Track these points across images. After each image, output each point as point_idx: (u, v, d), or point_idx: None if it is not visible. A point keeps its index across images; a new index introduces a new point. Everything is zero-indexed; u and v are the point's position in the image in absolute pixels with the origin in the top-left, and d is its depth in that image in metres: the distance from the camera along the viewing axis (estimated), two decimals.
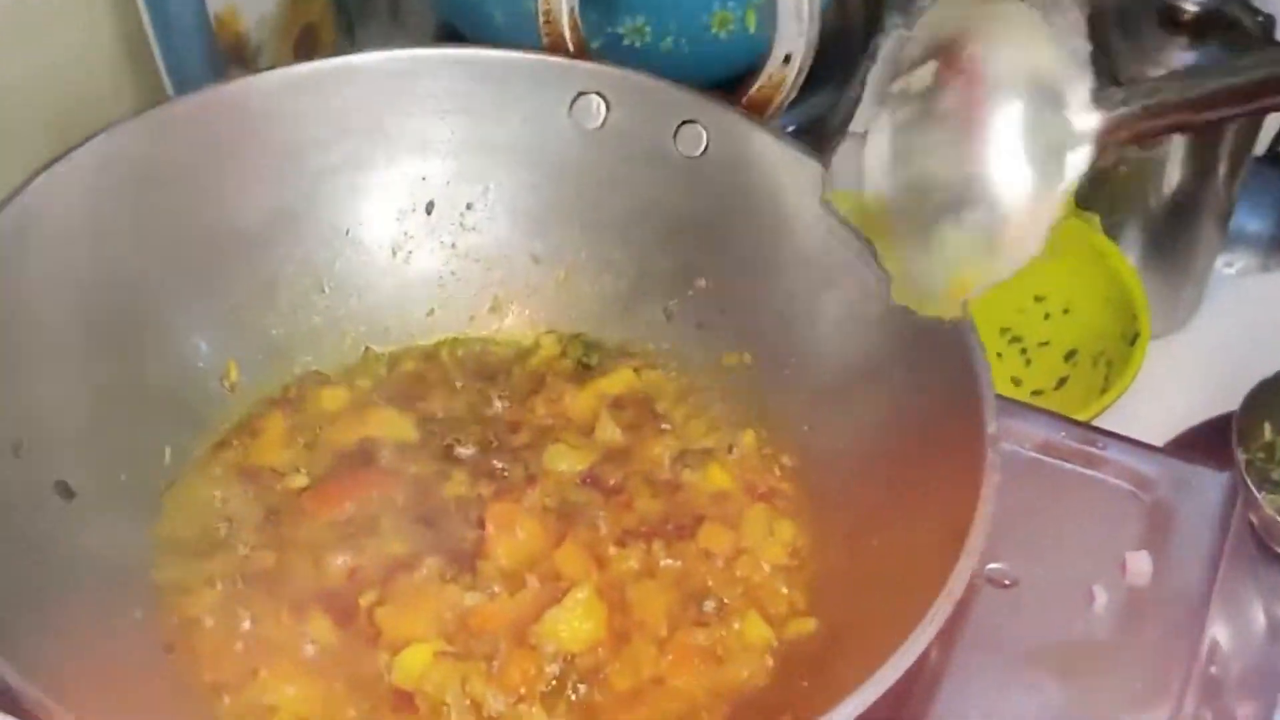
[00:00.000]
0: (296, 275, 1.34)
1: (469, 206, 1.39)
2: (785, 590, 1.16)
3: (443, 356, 1.37)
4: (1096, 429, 1.41)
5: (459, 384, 1.34)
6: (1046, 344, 1.65)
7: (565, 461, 1.26)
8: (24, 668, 0.89)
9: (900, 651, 0.93)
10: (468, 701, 1.07)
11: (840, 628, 1.11)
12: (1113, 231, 1.60)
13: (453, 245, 1.40)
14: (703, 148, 1.31)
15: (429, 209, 1.39)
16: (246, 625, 1.12)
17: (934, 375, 1.14)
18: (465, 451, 1.26)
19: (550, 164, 1.36)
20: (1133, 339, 1.54)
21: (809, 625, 1.13)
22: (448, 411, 1.31)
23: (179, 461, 1.24)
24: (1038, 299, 1.66)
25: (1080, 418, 1.42)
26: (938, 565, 1.00)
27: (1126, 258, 1.60)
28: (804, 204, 1.26)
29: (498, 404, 1.32)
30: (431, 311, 1.40)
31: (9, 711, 0.88)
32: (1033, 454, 1.29)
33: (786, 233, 1.28)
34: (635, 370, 1.34)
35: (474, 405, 1.32)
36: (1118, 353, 1.57)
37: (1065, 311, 1.68)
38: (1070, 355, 1.64)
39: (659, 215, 1.36)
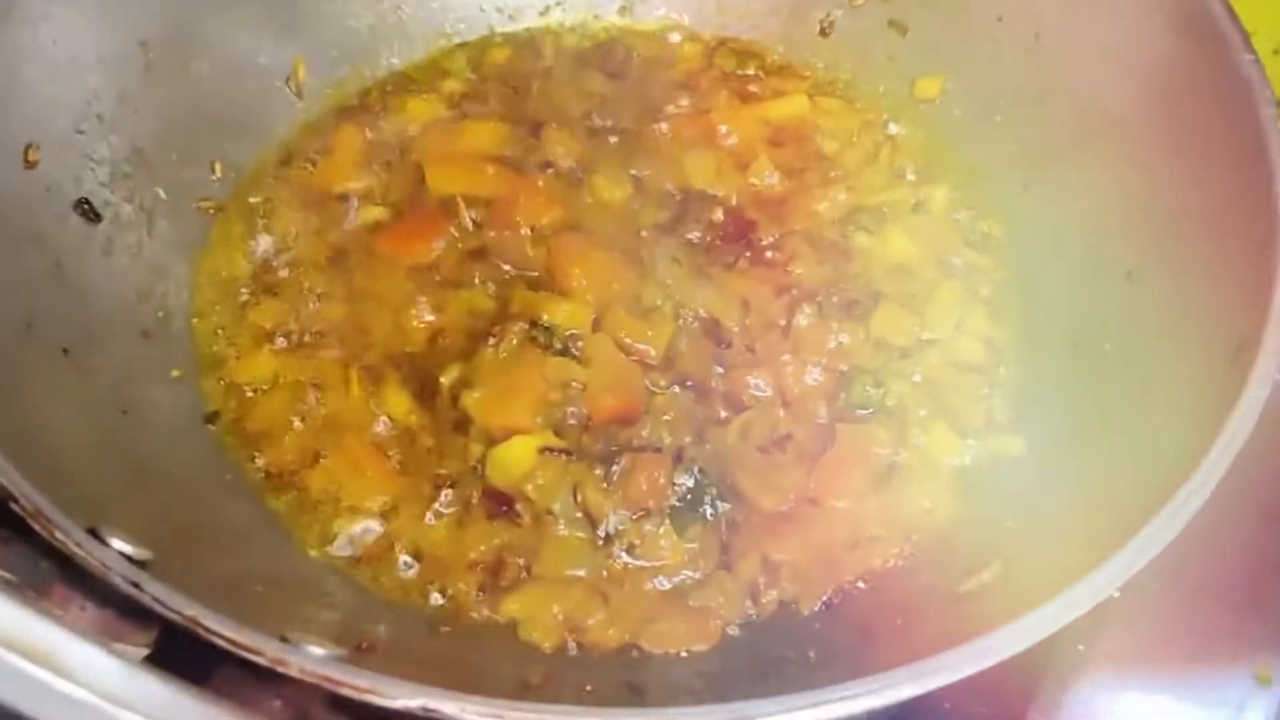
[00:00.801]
0: None
1: None
2: (983, 399, 0.92)
3: (547, 50, 1.10)
4: None
5: (571, 85, 1.07)
6: None
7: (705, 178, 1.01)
8: (23, 452, 0.68)
9: (1185, 490, 0.69)
10: (580, 514, 0.85)
11: (1054, 455, 0.86)
12: None
13: None
14: None
15: None
16: (309, 395, 0.91)
17: (1205, 138, 0.86)
18: (567, 164, 1.02)
19: None
20: None
21: (1014, 446, 0.89)
22: (560, 124, 1.04)
23: (230, 180, 1.00)
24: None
25: None
26: (1209, 381, 0.76)
27: None
28: None
29: (619, 114, 1.06)
30: (546, 9, 1.12)
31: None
32: None
33: None
34: (810, 96, 1.06)
35: (589, 111, 1.06)
36: None
37: (1277, 51, 1.38)
38: None
39: None
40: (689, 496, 0.86)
